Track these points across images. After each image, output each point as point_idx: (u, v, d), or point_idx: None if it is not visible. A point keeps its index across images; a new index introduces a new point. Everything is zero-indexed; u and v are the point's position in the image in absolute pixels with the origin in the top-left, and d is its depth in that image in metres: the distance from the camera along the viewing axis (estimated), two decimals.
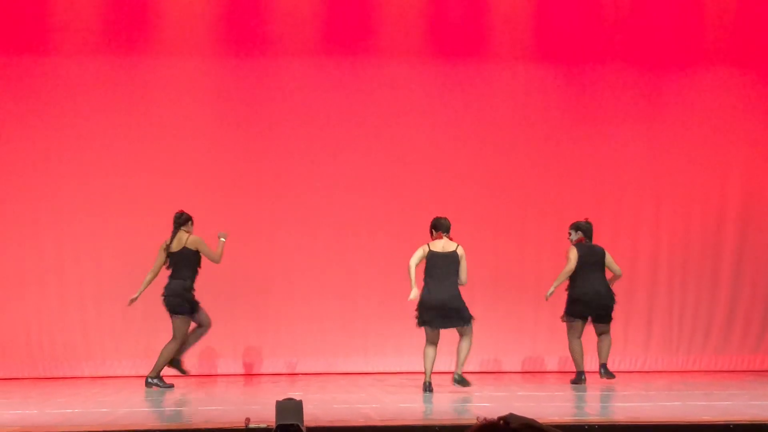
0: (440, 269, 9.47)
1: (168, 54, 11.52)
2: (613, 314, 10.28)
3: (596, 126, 11.88)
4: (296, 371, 11.37)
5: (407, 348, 11.57)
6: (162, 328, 11.22)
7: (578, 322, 10.15)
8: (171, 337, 9.90)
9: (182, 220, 10.07)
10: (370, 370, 11.45)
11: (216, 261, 10.03)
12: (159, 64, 11.52)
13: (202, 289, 11.28)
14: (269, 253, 11.41)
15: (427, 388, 9.36)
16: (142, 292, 10.06)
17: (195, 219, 11.32)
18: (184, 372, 10.04)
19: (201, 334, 10.08)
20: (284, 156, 11.57)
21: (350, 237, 11.49)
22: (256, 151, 11.55)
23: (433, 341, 9.53)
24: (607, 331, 10.22)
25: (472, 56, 11.78)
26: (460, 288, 9.52)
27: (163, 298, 9.99)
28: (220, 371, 11.31)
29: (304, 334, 11.40)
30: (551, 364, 11.62)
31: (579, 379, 10.07)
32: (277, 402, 6.50)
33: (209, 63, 11.62)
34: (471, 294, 11.53)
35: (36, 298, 11.22)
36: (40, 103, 11.34)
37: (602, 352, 10.18)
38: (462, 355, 9.51)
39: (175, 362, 9.96)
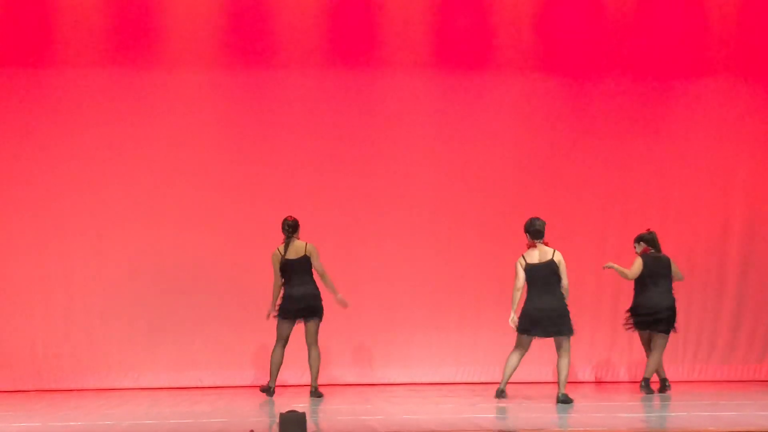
0: (540, 280, 9.41)
1: (172, 65, 11.54)
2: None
3: (601, 136, 11.88)
4: (301, 383, 11.35)
5: (413, 359, 11.56)
6: (167, 340, 11.25)
7: (642, 333, 10.40)
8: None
9: (296, 227, 10.07)
10: (375, 381, 11.43)
11: (321, 273, 10.05)
12: (163, 75, 11.54)
13: (207, 300, 11.31)
14: None
15: (500, 394, 9.41)
16: (274, 302, 10.10)
17: (201, 229, 11.34)
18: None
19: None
20: (288, 166, 11.57)
21: (355, 247, 11.48)
22: (261, 162, 11.56)
23: (521, 346, 9.54)
24: (657, 346, 10.31)
25: (476, 67, 11.79)
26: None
27: (297, 306, 10.00)
28: (225, 383, 11.29)
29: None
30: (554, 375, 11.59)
31: (663, 386, 10.44)
32: (281, 414, 6.51)
33: (213, 74, 11.63)
34: (477, 304, 11.56)
35: (41, 310, 11.23)
36: (45, 115, 11.36)
37: (648, 367, 10.34)
38: (563, 375, 9.42)
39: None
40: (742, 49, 12.04)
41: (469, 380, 11.50)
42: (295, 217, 10.12)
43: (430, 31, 11.81)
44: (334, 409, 9.00)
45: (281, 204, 11.40)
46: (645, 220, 11.72)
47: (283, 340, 10.11)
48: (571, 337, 9.52)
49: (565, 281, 9.40)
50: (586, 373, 11.70)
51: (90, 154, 11.37)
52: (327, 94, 11.68)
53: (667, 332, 10.36)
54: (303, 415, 6.49)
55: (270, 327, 11.31)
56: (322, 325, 10.14)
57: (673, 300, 10.36)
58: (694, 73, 12.00)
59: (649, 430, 7.57)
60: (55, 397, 10.40)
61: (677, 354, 11.68)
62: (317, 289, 10.08)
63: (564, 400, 9.33)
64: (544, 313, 9.38)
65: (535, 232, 9.50)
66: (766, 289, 11.86)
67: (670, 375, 11.41)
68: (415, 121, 11.74)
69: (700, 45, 12.01)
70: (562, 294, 9.43)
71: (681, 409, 8.97)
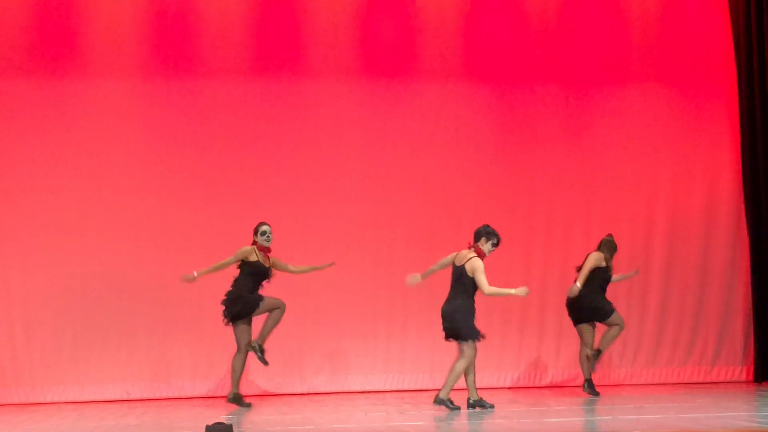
0: (451, 282, 9.45)
1: (98, 74, 11.41)
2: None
3: (525, 144, 11.99)
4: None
5: (342, 368, 11.55)
6: (93, 353, 11.11)
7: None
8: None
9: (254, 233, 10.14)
10: (304, 390, 11.41)
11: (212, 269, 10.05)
12: (87, 85, 11.41)
13: (133, 311, 11.18)
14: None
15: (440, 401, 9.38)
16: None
17: (125, 240, 11.19)
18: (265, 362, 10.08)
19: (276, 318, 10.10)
20: (213, 174, 11.50)
21: (281, 257, 11.39)
22: (186, 170, 11.47)
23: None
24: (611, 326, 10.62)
25: (402, 75, 11.84)
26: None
27: None
28: (152, 395, 11.17)
29: None
30: (482, 380, 11.68)
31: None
32: (207, 426, 6.47)
33: (138, 83, 11.51)
34: (405, 311, 11.59)
35: None
36: None
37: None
38: (450, 376, 9.43)
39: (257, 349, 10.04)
40: (663, 57, 12.23)
41: (398, 388, 11.53)
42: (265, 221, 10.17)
43: (357, 38, 11.83)
44: (263, 420, 8.96)
45: (208, 212, 11.36)
46: (569, 225, 11.87)
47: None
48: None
49: (481, 285, 9.24)
50: (511, 378, 11.78)
51: (9, 164, 11.20)
52: (253, 101, 11.64)
53: (577, 322, 10.61)
54: (230, 426, 6.46)
55: (197, 338, 11.26)
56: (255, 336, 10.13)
57: (577, 294, 10.53)
58: (615, 79, 12.17)
59: None
60: None
61: (603, 358, 11.79)
62: (231, 292, 10.00)
63: (439, 402, 9.33)
64: (442, 315, 9.41)
65: (475, 233, 9.51)
66: (688, 292, 12.06)
67: (597, 379, 11.56)
68: (341, 129, 11.74)
69: (621, 52, 12.19)
70: (460, 297, 9.33)
71: (606, 412, 9.08)
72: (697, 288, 12.06)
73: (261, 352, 10.02)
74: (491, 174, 11.93)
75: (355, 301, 11.57)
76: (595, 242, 11.28)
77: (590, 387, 10.57)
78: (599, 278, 10.66)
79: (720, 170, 12.23)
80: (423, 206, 11.77)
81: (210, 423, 6.61)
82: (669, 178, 12.18)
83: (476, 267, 9.29)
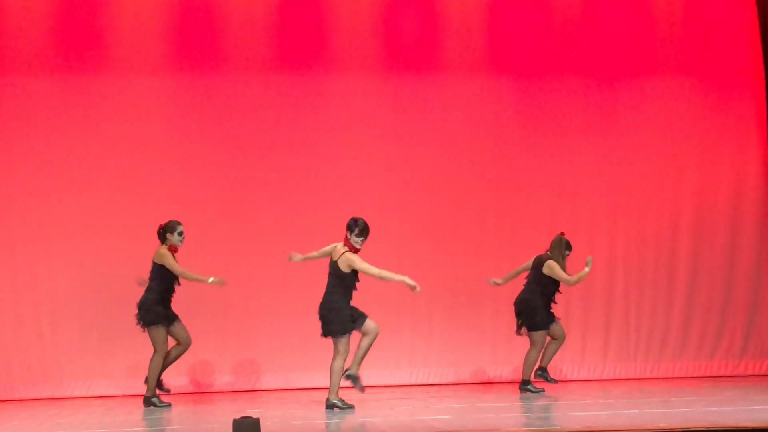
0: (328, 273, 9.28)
1: (121, 71, 11.47)
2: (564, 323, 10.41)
3: (550, 136, 11.96)
4: (255, 388, 11.32)
5: (369, 362, 11.54)
6: (120, 348, 11.16)
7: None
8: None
9: (158, 232, 9.86)
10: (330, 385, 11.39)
11: (179, 275, 9.73)
12: (112, 82, 11.46)
13: None
14: (228, 271, 11.33)
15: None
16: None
17: (151, 236, 11.22)
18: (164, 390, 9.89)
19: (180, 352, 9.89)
20: (238, 173, 11.53)
21: (308, 249, 11.41)
22: (212, 169, 11.51)
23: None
24: (532, 342, 10.25)
25: (426, 69, 11.84)
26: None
27: None
28: (179, 390, 11.21)
29: (263, 350, 11.36)
30: (508, 375, 11.66)
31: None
32: (234, 420, 6.49)
33: (163, 80, 11.56)
34: (429, 306, 11.59)
35: None
36: None
37: (544, 357, 10.30)
38: (331, 377, 9.26)
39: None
40: (689, 49, 12.18)
41: (423, 382, 11.54)
42: (179, 220, 9.89)
43: (380, 34, 11.83)
44: (288, 414, 8.99)
45: (232, 209, 11.38)
46: (595, 219, 11.84)
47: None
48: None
49: (367, 272, 9.02)
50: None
51: (37, 162, 11.27)
52: (276, 98, 11.66)
53: (525, 329, 10.28)
54: (257, 420, 6.48)
55: (223, 332, 11.30)
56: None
57: (525, 297, 10.25)
58: (641, 72, 12.12)
59: (601, 428, 7.62)
60: (6, 408, 10.28)
61: (629, 352, 11.80)
62: (146, 297, 9.79)
63: (329, 405, 9.16)
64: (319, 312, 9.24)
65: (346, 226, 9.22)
66: (715, 285, 12.00)
67: (623, 373, 11.53)
68: (365, 124, 11.75)
69: (647, 44, 12.14)
70: (330, 292, 9.17)
71: (633, 406, 9.05)
72: (723, 280, 12.01)
73: (160, 385, 9.85)
74: (516, 167, 11.90)
75: (379, 296, 11.55)
76: (620, 236, 11.26)
77: (526, 385, 10.33)
78: (552, 285, 10.28)
79: (747, 163, 12.17)
80: (447, 200, 11.77)
81: (237, 417, 6.62)
82: (695, 171, 12.12)
83: (351, 261, 9.03)
